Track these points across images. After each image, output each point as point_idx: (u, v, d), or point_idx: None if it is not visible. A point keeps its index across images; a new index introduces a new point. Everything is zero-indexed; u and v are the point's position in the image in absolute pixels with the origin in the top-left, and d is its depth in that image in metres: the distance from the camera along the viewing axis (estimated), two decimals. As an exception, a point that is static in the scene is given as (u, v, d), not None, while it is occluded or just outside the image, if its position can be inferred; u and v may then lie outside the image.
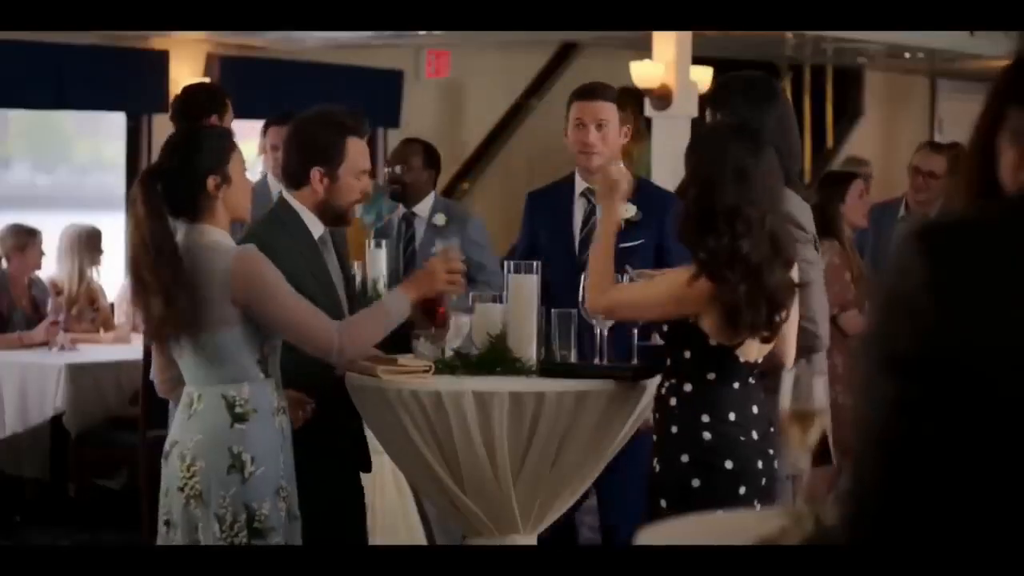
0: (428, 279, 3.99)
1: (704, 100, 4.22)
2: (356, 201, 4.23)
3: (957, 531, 1.36)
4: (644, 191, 4.78)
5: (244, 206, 3.87)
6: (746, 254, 3.60)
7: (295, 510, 3.84)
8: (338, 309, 4.15)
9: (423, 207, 6.11)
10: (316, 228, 4.19)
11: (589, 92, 4.89)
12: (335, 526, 4.18)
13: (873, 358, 1.41)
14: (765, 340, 3.72)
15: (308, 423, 4.03)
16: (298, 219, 4.17)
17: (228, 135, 3.94)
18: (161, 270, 3.68)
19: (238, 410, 3.73)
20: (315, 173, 4.13)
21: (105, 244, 7.98)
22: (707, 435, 3.69)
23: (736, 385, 3.72)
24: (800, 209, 4.12)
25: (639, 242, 4.64)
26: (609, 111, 4.83)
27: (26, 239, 7.66)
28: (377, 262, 5.38)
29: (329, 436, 4.16)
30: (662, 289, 3.76)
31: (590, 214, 4.83)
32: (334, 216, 4.20)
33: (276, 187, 8.85)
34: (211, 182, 3.76)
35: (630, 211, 4.58)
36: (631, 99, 7.57)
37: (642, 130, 10.58)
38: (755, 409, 3.74)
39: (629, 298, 3.86)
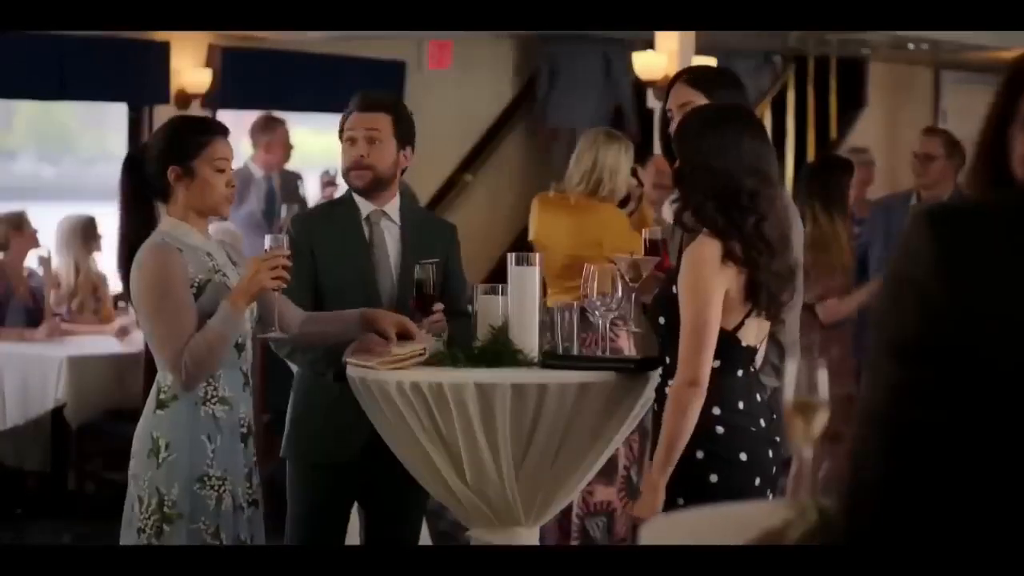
0: (253, 282, 3.79)
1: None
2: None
3: (965, 519, 1.34)
4: None
5: (210, 202, 3.86)
6: (768, 233, 3.61)
7: (241, 500, 3.87)
8: (372, 297, 4.22)
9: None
10: (365, 207, 4.32)
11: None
12: (317, 526, 4.21)
13: (881, 343, 1.40)
14: (771, 318, 3.70)
15: (302, 422, 4.11)
16: (350, 199, 4.31)
17: (208, 130, 3.90)
18: (122, 257, 3.84)
19: (161, 396, 3.85)
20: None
21: (108, 234, 7.96)
22: (720, 428, 3.65)
23: (740, 373, 3.70)
24: None
25: None
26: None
27: (16, 224, 7.58)
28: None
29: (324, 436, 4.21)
30: (709, 294, 3.57)
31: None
32: None
33: (257, 173, 8.90)
34: (171, 173, 3.83)
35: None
36: None
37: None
38: (759, 397, 3.72)
39: (698, 344, 3.58)
